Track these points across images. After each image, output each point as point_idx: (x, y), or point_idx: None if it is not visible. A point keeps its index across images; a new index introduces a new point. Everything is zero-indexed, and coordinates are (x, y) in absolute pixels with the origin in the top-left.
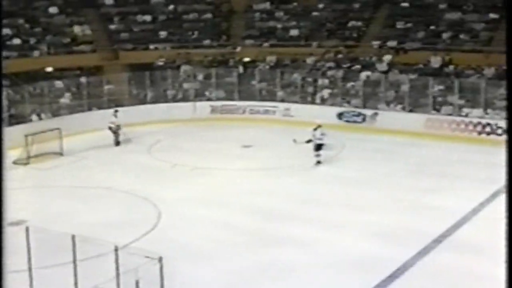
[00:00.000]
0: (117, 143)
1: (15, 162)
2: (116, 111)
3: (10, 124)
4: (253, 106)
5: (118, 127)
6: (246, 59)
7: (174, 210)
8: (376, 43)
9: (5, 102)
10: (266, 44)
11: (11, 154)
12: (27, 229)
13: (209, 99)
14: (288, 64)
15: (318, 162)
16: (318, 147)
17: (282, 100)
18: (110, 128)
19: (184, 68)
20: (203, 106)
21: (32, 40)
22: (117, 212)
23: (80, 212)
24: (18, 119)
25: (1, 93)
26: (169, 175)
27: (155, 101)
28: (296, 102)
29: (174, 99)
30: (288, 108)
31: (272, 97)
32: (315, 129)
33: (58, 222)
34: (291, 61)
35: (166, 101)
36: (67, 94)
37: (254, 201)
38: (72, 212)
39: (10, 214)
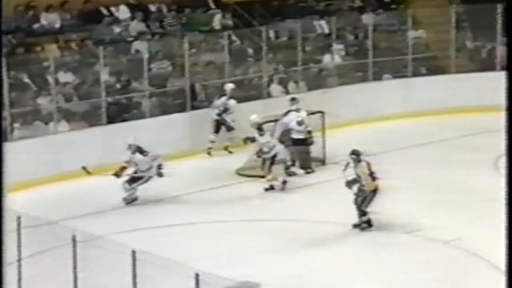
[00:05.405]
0: None
1: (240, 172)
2: None
3: (238, 99)
4: None
5: None
6: None
7: None
8: None
9: (226, 58)
10: None
11: (232, 155)
12: None
13: None
14: None
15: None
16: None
17: None
18: None
19: None
20: None
21: None
22: (434, 281)
23: (362, 278)
24: (247, 91)
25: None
26: None
27: None
28: None
29: None
30: None
31: None
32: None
33: None
34: None
35: None
36: (337, 47)
37: None
38: (344, 281)
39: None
